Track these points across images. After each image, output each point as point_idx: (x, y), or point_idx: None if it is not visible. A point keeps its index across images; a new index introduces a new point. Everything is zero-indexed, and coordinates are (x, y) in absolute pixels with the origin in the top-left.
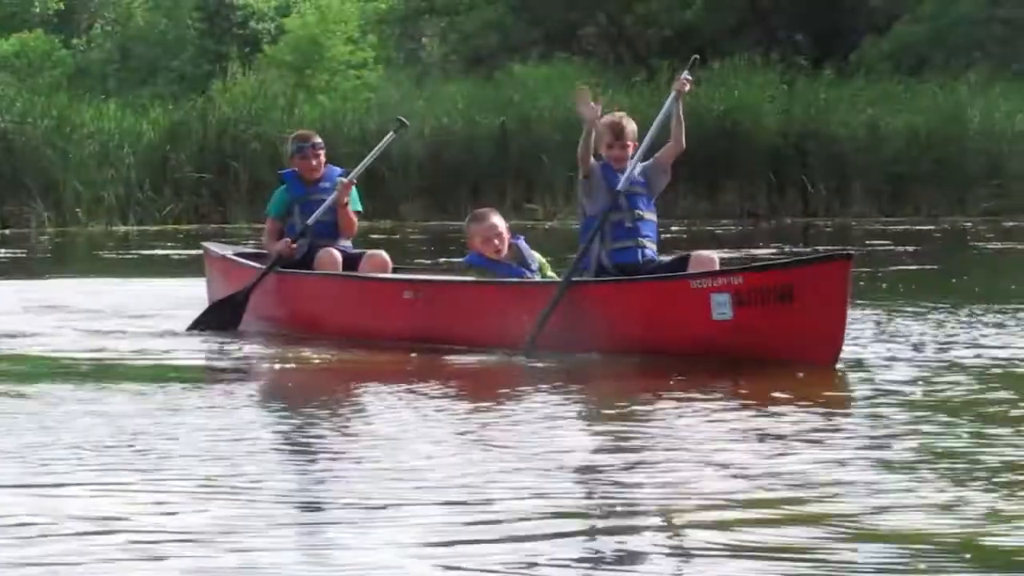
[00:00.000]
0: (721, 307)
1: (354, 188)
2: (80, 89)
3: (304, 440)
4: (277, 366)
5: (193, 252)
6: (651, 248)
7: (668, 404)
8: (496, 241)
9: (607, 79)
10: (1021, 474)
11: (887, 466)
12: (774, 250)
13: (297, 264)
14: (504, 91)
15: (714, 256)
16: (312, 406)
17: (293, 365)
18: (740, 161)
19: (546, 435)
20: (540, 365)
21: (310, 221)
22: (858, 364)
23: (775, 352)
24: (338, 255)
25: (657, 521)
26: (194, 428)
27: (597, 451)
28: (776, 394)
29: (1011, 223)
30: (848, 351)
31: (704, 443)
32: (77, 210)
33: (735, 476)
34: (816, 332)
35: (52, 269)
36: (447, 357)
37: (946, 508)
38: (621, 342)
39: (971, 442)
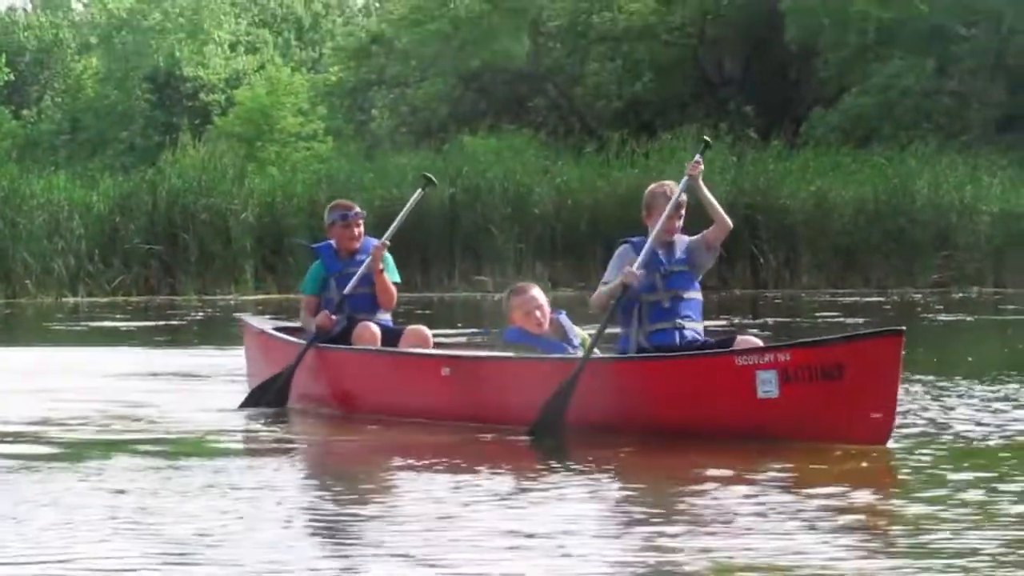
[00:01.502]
0: (767, 385)
1: (390, 258)
2: (30, 160)
3: (340, 526)
4: (311, 446)
5: (140, 323)
6: (692, 329)
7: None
8: (537, 314)
9: (557, 150)
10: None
11: None
12: (724, 322)
13: (336, 339)
14: (453, 163)
15: (759, 341)
16: (347, 489)
17: (326, 446)
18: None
19: (578, 523)
20: (547, 445)
21: (347, 290)
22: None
23: (824, 432)
24: (376, 330)
25: None
26: (222, 510)
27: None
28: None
29: (960, 294)
30: None
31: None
32: (27, 281)
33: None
34: (867, 410)
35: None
36: (487, 436)
37: None
38: (661, 421)
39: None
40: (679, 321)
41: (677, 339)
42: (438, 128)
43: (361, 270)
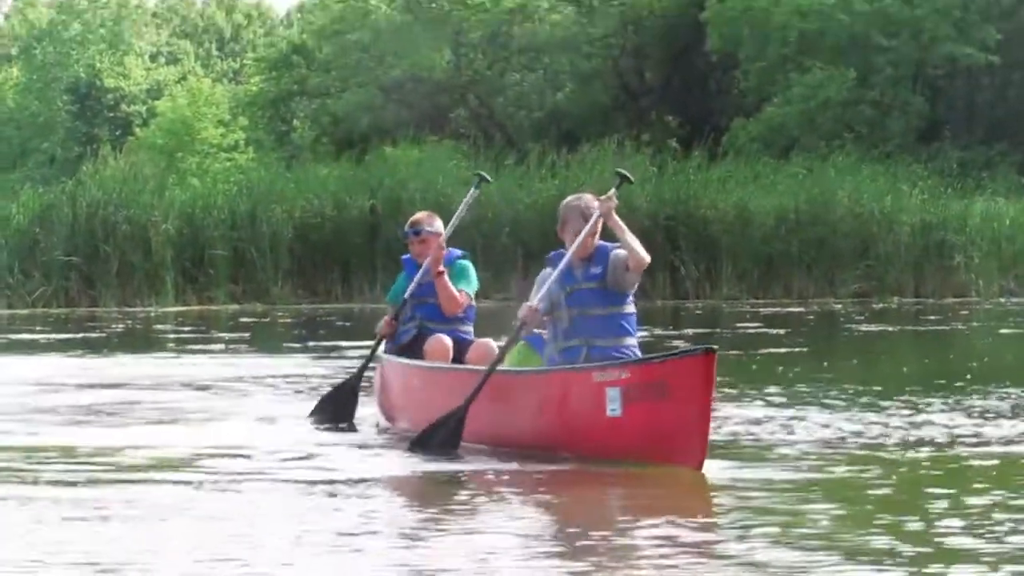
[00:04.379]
0: (613, 403)
1: (469, 266)
2: None
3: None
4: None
5: (61, 336)
6: (610, 345)
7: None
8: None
9: (478, 161)
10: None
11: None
12: (644, 333)
13: (406, 348)
14: (375, 173)
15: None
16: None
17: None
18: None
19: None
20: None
21: (407, 294)
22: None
23: (650, 455)
24: (447, 342)
25: None
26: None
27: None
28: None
29: (879, 304)
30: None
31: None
32: None
33: None
34: (683, 432)
35: None
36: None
37: None
38: (527, 437)
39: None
40: (588, 338)
41: (582, 356)
42: (359, 139)
43: (419, 273)
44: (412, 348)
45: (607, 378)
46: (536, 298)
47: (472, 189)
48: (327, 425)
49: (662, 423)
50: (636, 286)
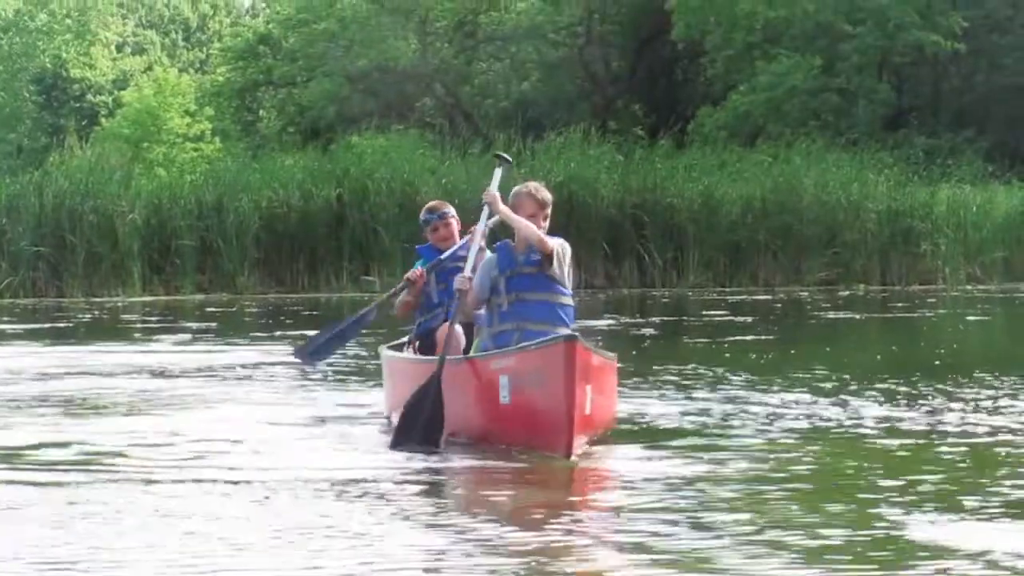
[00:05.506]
0: (504, 390)
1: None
2: None
3: None
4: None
5: (28, 326)
6: (545, 331)
7: None
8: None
9: (444, 150)
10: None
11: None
12: (611, 321)
13: (425, 336)
14: (341, 163)
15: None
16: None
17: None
18: (576, 232)
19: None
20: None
21: (443, 256)
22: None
23: (530, 443)
24: (457, 331)
25: None
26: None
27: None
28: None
29: (846, 292)
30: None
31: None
32: None
33: None
34: (552, 421)
35: None
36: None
37: None
38: (452, 425)
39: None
40: (521, 322)
41: (514, 340)
42: (325, 128)
43: (455, 248)
44: (429, 336)
45: (500, 365)
46: (468, 269)
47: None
48: (307, 362)
49: (536, 410)
50: (571, 279)
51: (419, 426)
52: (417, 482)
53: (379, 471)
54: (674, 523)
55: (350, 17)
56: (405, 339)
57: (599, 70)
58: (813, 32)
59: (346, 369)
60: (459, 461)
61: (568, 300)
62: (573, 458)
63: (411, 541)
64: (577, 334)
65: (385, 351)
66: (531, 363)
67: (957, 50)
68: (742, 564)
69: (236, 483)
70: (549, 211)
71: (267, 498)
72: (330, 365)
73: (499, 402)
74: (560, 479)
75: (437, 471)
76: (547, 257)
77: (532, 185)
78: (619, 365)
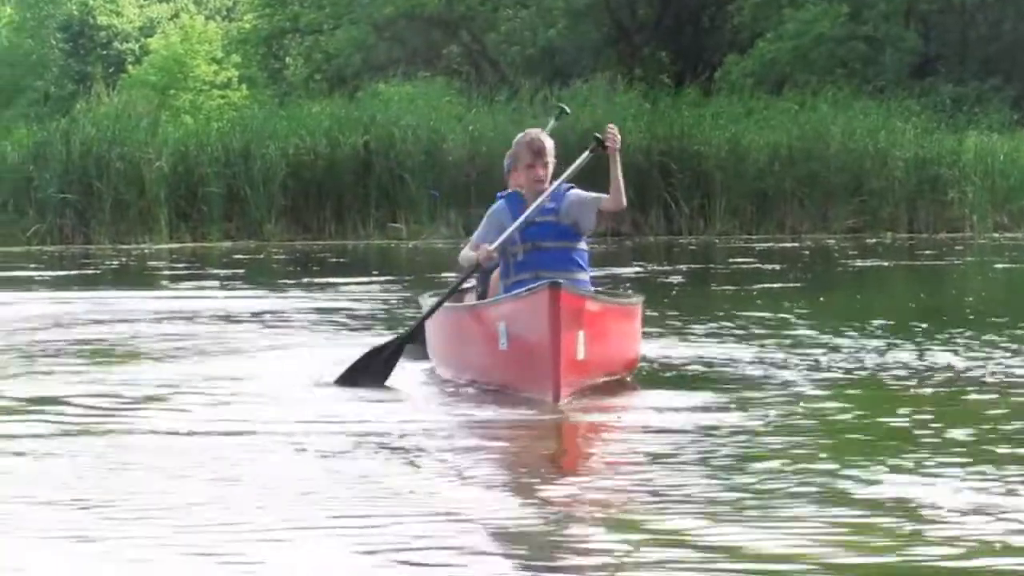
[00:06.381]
0: (502, 336)
1: None
2: None
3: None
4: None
5: (56, 273)
6: (551, 276)
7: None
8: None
9: (470, 98)
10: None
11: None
12: (638, 269)
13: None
14: (367, 110)
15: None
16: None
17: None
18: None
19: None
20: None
21: (515, 225)
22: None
23: (525, 388)
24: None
25: None
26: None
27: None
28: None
29: (873, 239)
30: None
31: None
32: None
33: None
34: (540, 366)
35: None
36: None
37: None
38: (464, 370)
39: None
40: (538, 272)
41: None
42: (352, 76)
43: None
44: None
45: (498, 312)
46: (496, 243)
47: (552, 120)
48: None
49: (528, 356)
50: (593, 228)
51: (372, 367)
52: (436, 434)
53: (411, 424)
54: (692, 472)
55: None
56: (442, 291)
57: (625, 17)
58: None
59: (382, 316)
60: (478, 412)
61: (583, 246)
62: (563, 401)
63: (435, 490)
64: (561, 281)
65: (427, 299)
66: (522, 310)
67: None
68: (759, 514)
69: (267, 434)
70: (550, 158)
71: (301, 450)
72: (361, 312)
73: (498, 348)
74: (583, 429)
75: (457, 424)
76: (593, 213)
77: (531, 133)
78: (645, 312)
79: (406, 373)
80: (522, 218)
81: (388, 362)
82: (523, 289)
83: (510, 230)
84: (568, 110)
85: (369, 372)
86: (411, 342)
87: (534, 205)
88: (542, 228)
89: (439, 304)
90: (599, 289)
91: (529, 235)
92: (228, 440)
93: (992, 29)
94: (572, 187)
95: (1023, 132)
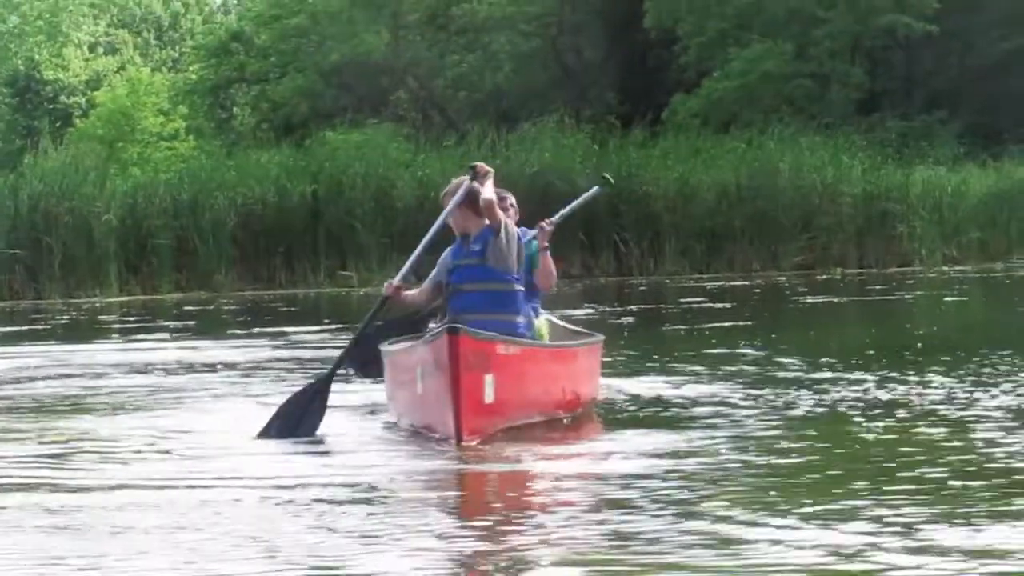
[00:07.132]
0: (418, 380)
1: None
2: None
3: None
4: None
5: (6, 328)
6: (487, 320)
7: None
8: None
9: (419, 143)
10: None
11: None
12: (590, 310)
13: None
14: (315, 158)
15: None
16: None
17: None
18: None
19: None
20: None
21: (413, 255)
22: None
23: (436, 430)
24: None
25: None
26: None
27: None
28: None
29: (824, 276)
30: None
31: None
32: None
33: None
34: (443, 409)
35: None
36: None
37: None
38: (399, 410)
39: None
40: (459, 315)
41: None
42: (300, 124)
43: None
44: None
45: (416, 356)
46: (398, 277)
47: (595, 188)
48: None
49: (434, 398)
50: (516, 268)
51: (297, 418)
52: (399, 484)
53: (365, 472)
54: (644, 514)
55: (322, 12)
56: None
57: (572, 59)
58: (785, 18)
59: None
60: (431, 462)
61: (517, 286)
62: (473, 442)
63: (390, 547)
64: (461, 326)
65: (386, 347)
66: (427, 353)
67: (930, 32)
68: (712, 554)
69: (221, 487)
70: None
71: (239, 501)
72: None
73: (416, 391)
74: (539, 472)
75: (420, 472)
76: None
77: (454, 183)
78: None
79: (341, 415)
80: (420, 247)
81: (314, 405)
82: (430, 335)
83: (409, 261)
84: (612, 180)
85: (296, 419)
86: (331, 382)
87: (432, 230)
88: (464, 271)
89: (356, 340)
90: (569, 326)
91: (453, 278)
92: (176, 494)
93: (938, 63)
94: (505, 229)
95: (970, 165)
